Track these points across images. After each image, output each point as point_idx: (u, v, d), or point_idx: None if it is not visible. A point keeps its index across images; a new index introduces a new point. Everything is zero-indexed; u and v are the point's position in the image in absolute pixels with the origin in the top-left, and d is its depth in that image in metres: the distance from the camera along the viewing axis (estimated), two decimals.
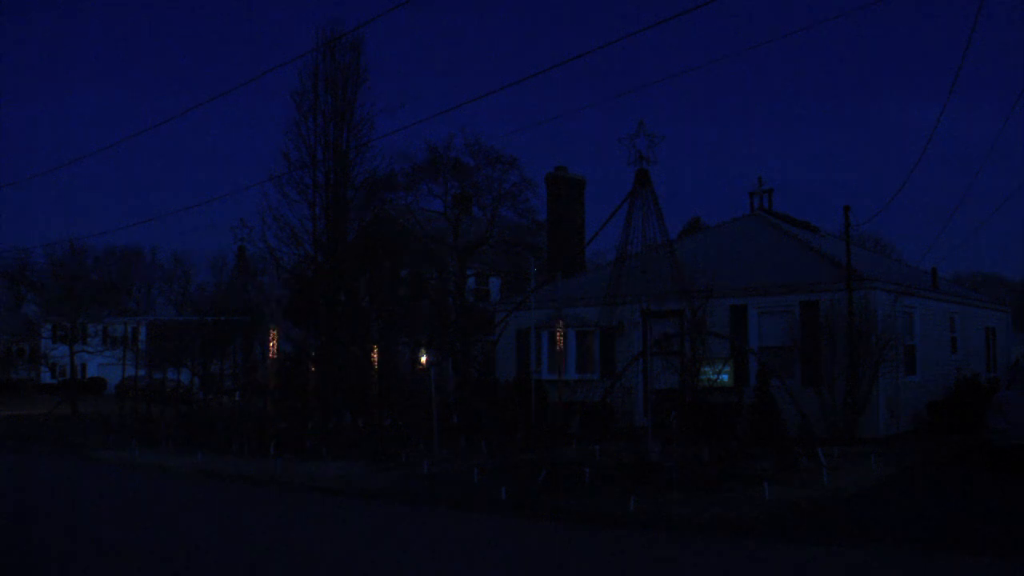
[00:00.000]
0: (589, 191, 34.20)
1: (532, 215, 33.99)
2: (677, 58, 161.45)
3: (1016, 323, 37.18)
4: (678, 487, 13.75)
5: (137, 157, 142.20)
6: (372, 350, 25.73)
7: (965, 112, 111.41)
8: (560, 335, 23.63)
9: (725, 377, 21.39)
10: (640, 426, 21.26)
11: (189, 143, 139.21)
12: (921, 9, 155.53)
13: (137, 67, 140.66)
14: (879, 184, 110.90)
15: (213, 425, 23.95)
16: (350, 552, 10.93)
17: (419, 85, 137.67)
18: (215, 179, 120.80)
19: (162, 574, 9.82)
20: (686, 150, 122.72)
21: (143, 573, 9.86)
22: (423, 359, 32.68)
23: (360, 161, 26.77)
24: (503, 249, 34.73)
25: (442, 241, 32.39)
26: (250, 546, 11.26)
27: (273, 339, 24.40)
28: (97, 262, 75.79)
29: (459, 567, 10.06)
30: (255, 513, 14.21)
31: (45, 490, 17.30)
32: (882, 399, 20.88)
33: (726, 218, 29.69)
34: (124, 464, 20.51)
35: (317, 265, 26.97)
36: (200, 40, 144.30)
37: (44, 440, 26.26)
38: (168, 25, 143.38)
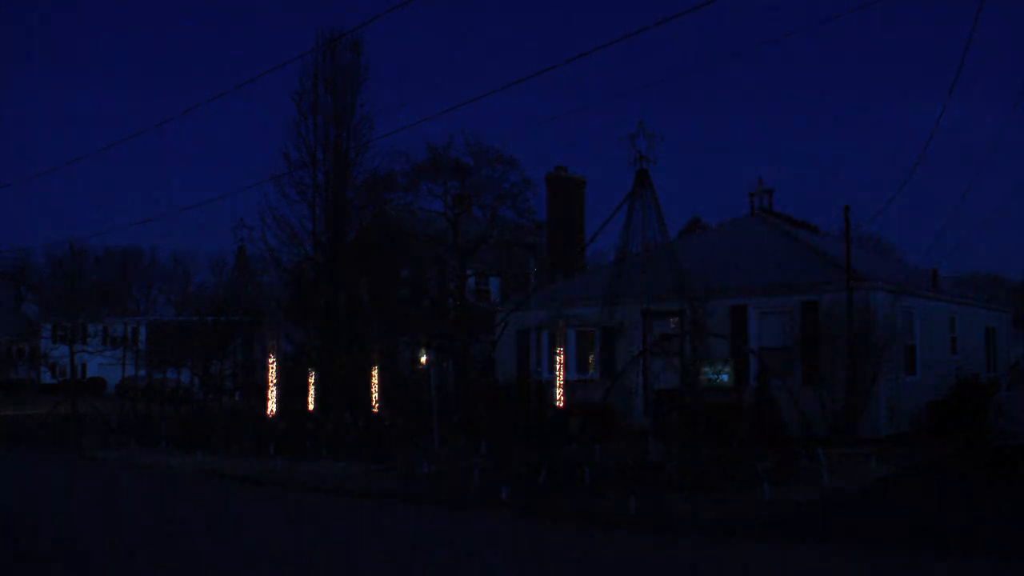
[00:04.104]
0: (589, 191, 34.22)
1: (532, 215, 33.99)
2: (677, 58, 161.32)
3: (1016, 323, 37.15)
4: (678, 487, 13.75)
5: (137, 157, 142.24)
6: (372, 350, 25.72)
7: (965, 112, 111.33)
8: (560, 335, 23.61)
9: (725, 377, 21.41)
10: (640, 426, 21.26)
11: (189, 143, 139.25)
12: (921, 9, 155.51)
13: (137, 67, 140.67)
14: (879, 184, 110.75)
15: (213, 425, 23.94)
16: (351, 552, 10.93)
17: (419, 85, 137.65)
18: (215, 179, 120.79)
19: (160, 574, 9.82)
20: (686, 150, 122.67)
21: (139, 573, 9.86)
22: (423, 359, 32.66)
23: (360, 161, 26.79)
24: (503, 249, 34.70)
25: (442, 241, 32.38)
26: (249, 547, 11.25)
27: (273, 339, 24.42)
28: (97, 262, 75.84)
29: (460, 567, 10.06)
30: (255, 513, 14.21)
31: (44, 490, 17.30)
32: (882, 399, 20.87)
33: (726, 218, 29.73)
34: (124, 464, 20.50)
35: (317, 265, 26.98)
36: (200, 40, 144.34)
37: (44, 440, 26.25)
38: (168, 25, 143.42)
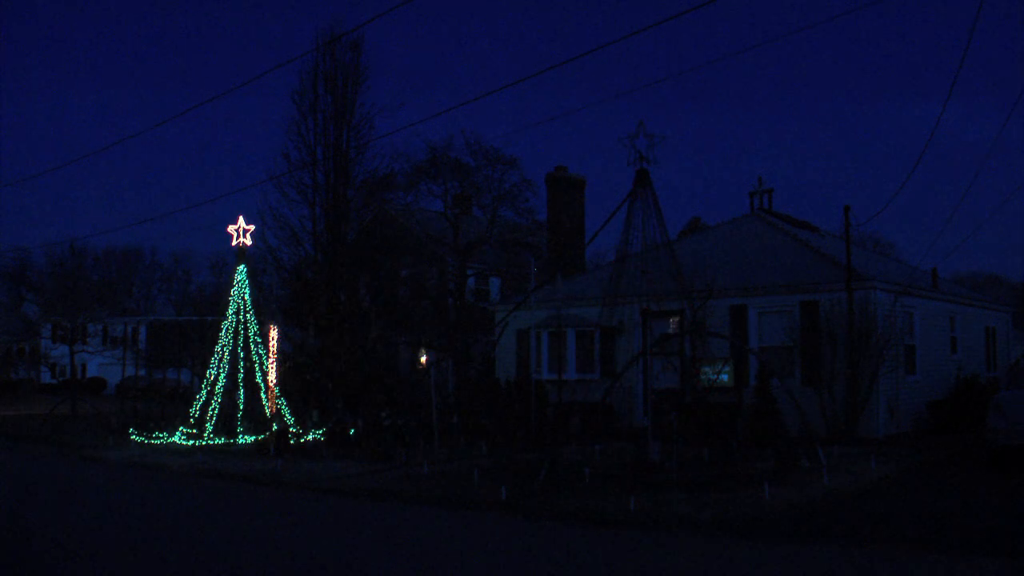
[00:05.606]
0: (589, 191, 34.26)
1: (532, 215, 34.02)
2: (677, 58, 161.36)
3: (1016, 323, 37.18)
4: (678, 487, 13.75)
5: (137, 157, 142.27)
6: (372, 350, 25.74)
7: (965, 112, 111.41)
8: (560, 335, 23.62)
9: (725, 377, 21.42)
10: (640, 426, 21.28)
11: (189, 143, 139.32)
12: (921, 9, 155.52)
13: (137, 67, 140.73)
14: (879, 184, 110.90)
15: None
16: (350, 552, 10.93)
17: (419, 85, 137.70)
18: (215, 179, 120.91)
19: (160, 574, 9.82)
20: (686, 150, 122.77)
21: (139, 574, 9.86)
22: (423, 359, 32.68)
23: (360, 161, 26.86)
24: (503, 249, 34.72)
25: (442, 241, 32.39)
26: (249, 546, 11.26)
27: (273, 339, 24.42)
28: (97, 262, 75.87)
29: (459, 567, 10.07)
30: (254, 513, 14.21)
31: (43, 490, 17.29)
32: (882, 399, 20.88)
33: (726, 218, 29.71)
34: (124, 464, 20.49)
35: (317, 265, 27.00)
36: (200, 40, 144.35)
37: (44, 440, 26.24)
38: (168, 25, 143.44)
